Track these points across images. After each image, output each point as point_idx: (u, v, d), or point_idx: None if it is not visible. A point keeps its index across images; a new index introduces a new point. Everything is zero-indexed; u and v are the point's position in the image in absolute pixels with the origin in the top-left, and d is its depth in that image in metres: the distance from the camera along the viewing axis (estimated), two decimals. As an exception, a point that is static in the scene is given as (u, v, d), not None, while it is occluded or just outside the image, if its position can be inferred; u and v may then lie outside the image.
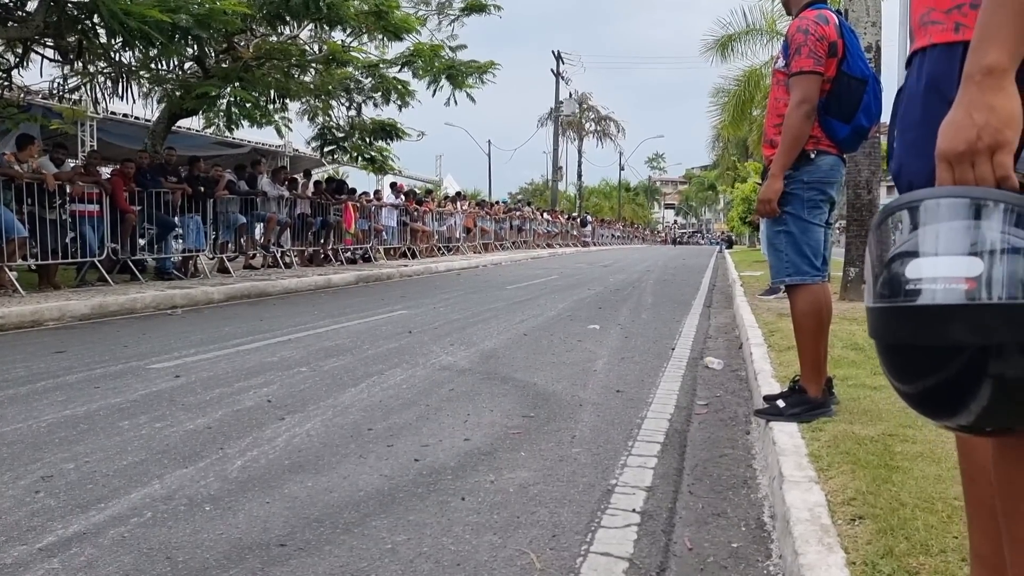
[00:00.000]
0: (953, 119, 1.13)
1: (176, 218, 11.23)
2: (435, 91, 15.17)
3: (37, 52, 11.27)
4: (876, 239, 1.20)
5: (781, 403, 3.40)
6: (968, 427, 1.15)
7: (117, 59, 11.97)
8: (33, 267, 9.38)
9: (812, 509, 2.26)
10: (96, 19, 9.76)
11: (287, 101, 14.69)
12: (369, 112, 16.00)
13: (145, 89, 13.82)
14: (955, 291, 1.05)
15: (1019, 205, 1.06)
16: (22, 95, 12.75)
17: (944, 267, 1.07)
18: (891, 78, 9.14)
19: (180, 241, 11.71)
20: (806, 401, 3.35)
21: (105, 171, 11.04)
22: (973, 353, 1.06)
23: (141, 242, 10.75)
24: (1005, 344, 1.04)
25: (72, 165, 10.74)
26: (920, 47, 1.35)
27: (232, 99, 12.12)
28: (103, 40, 10.78)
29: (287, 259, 13.95)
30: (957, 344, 1.07)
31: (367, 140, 16.14)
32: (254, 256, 13.67)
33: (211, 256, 12.43)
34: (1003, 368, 1.05)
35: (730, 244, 39.53)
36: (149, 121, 14.59)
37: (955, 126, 1.13)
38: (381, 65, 15.11)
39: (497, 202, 32.86)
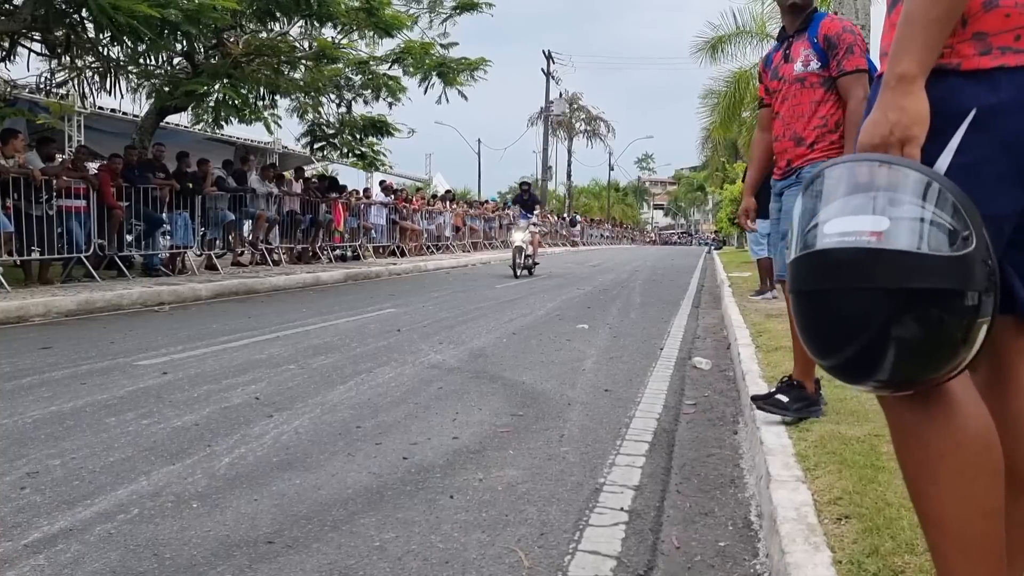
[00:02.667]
0: (871, 118, 1.31)
1: (164, 214, 11.17)
2: (426, 88, 15.14)
3: (24, 46, 11.17)
4: (805, 200, 1.36)
5: (784, 398, 3.39)
6: (887, 383, 1.29)
7: (105, 54, 11.88)
8: (18, 263, 9.30)
9: (799, 508, 2.27)
10: (84, 13, 9.69)
11: (277, 98, 14.62)
12: (359, 109, 15.97)
13: (133, 84, 13.72)
14: (860, 240, 1.22)
15: (927, 174, 1.23)
16: (9, 89, 12.64)
17: (851, 223, 1.24)
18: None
19: (168, 237, 11.64)
20: (805, 397, 3.38)
21: (92, 167, 10.96)
22: (877, 305, 1.22)
23: (128, 238, 10.68)
24: (906, 300, 1.20)
25: (60, 160, 10.65)
26: (880, 73, 1.50)
27: (221, 96, 12.06)
28: (91, 35, 10.71)
29: (276, 256, 13.90)
30: (859, 286, 1.23)
31: (357, 137, 16.09)
32: (242, 253, 13.61)
33: (199, 253, 12.38)
34: (902, 331, 1.21)
35: (720, 245, 39.62)
36: (137, 116, 14.49)
37: (872, 123, 1.30)
38: (371, 62, 15.07)
39: (486, 201, 32.85)
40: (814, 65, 3.33)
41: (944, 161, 1.30)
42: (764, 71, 3.65)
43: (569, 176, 56.65)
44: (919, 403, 1.33)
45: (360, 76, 15.30)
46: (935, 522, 1.32)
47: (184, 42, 11.39)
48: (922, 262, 1.18)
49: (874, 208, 1.22)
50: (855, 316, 1.25)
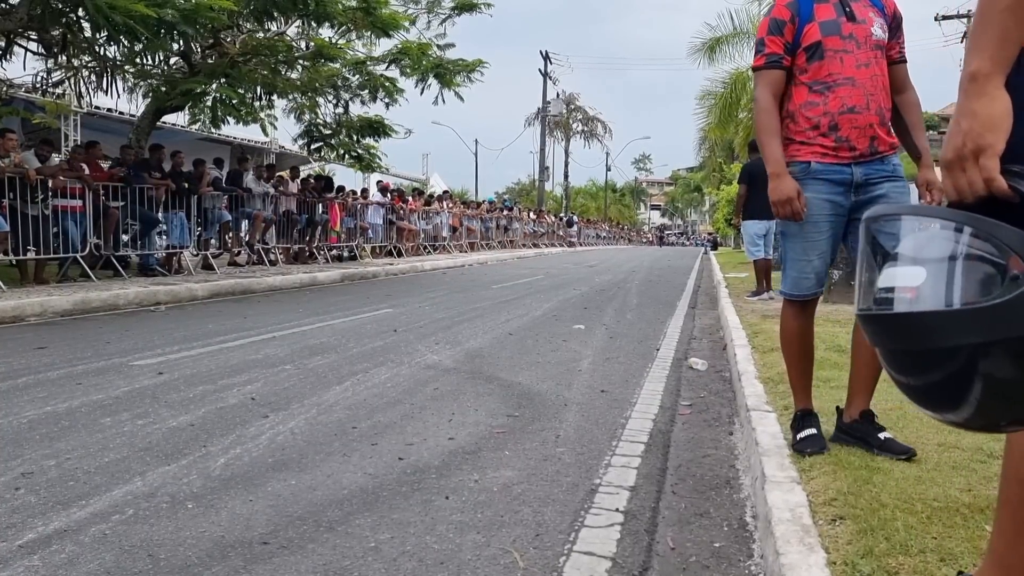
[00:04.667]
0: (949, 128, 1.18)
1: (160, 214, 11.15)
2: (423, 89, 15.15)
3: (20, 45, 11.15)
4: (861, 247, 1.26)
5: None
6: (977, 424, 1.19)
7: (102, 53, 11.86)
8: (13, 262, 9.28)
9: (794, 509, 2.27)
10: (81, 13, 9.67)
11: (274, 98, 14.61)
12: (356, 110, 15.96)
13: (130, 84, 13.71)
14: (905, 300, 1.14)
15: (976, 226, 1.10)
16: (5, 88, 12.61)
17: (903, 278, 1.15)
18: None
19: (164, 237, 11.62)
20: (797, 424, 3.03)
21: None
22: (945, 353, 1.12)
23: (124, 238, 10.67)
24: (977, 344, 1.08)
25: (57, 160, 10.63)
26: None
27: (218, 96, 12.05)
28: (87, 34, 10.69)
29: (272, 256, 13.88)
30: (907, 348, 1.16)
31: (354, 137, 16.09)
32: (239, 253, 13.60)
33: (195, 253, 12.36)
34: (988, 367, 1.08)
35: (715, 246, 39.66)
36: (134, 116, 14.48)
37: (948, 134, 1.18)
38: (368, 62, 15.06)
39: (483, 201, 32.87)
40: (884, 35, 2.93)
41: None
42: (792, 21, 2.90)
43: (566, 176, 56.67)
44: None
45: (357, 76, 15.29)
46: None
47: (181, 42, 11.39)
48: (962, 317, 1.09)
49: (914, 259, 1.15)
50: (929, 373, 1.17)
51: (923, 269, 1.13)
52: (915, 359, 1.17)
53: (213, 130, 13.95)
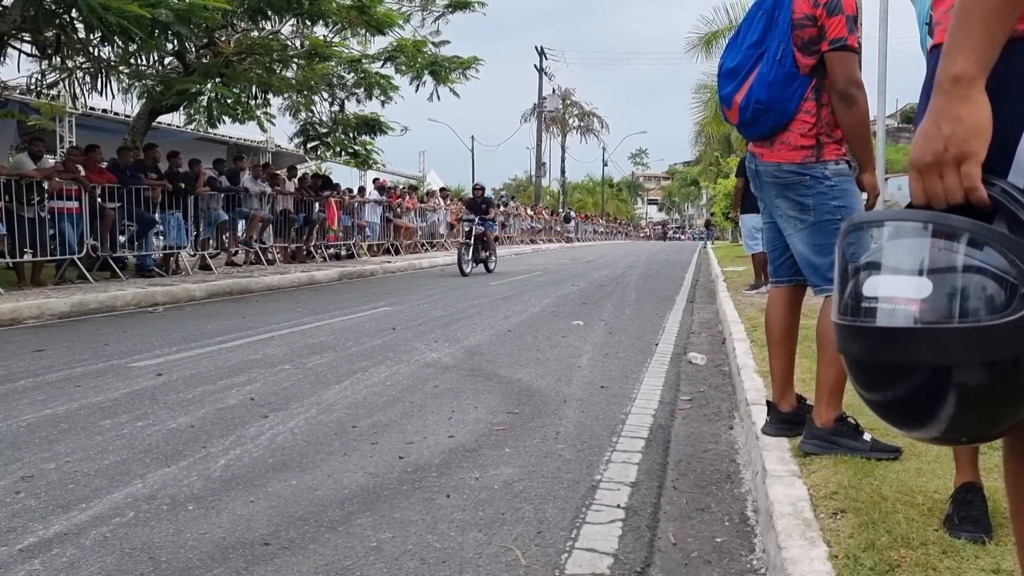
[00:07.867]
0: (923, 129, 1.11)
1: (157, 215, 11.13)
2: (418, 87, 15.15)
3: (14, 47, 11.11)
4: (840, 253, 1.19)
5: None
6: (941, 439, 1.15)
7: (96, 54, 11.83)
8: (10, 265, 9.27)
9: (795, 503, 2.27)
10: (74, 13, 9.64)
11: (269, 96, 14.59)
12: (352, 108, 15.94)
13: (125, 85, 13.67)
14: (905, 312, 1.05)
15: (972, 231, 1.05)
16: (-1, 91, 12.58)
17: (896, 288, 1.07)
18: (871, 74, 9.19)
19: (161, 238, 11.60)
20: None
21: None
22: (929, 370, 1.06)
23: (121, 239, 10.64)
24: (959, 363, 1.03)
25: (52, 162, 10.61)
26: (932, 45, 1.37)
27: (213, 95, 12.02)
28: (81, 35, 10.66)
29: (270, 256, 13.86)
30: (908, 363, 1.07)
31: (350, 135, 16.07)
32: (236, 253, 13.58)
33: (193, 253, 12.34)
34: (963, 380, 1.04)
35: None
36: (129, 117, 14.43)
37: (924, 136, 1.10)
38: (363, 60, 15.05)
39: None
40: None
41: None
42: None
43: (563, 172, 56.66)
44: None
45: (352, 74, 15.27)
46: None
47: (175, 42, 11.34)
48: (972, 334, 1.01)
49: (918, 268, 1.06)
50: (910, 390, 1.10)
51: (928, 281, 1.04)
52: (897, 374, 1.09)
53: (209, 130, 13.92)
